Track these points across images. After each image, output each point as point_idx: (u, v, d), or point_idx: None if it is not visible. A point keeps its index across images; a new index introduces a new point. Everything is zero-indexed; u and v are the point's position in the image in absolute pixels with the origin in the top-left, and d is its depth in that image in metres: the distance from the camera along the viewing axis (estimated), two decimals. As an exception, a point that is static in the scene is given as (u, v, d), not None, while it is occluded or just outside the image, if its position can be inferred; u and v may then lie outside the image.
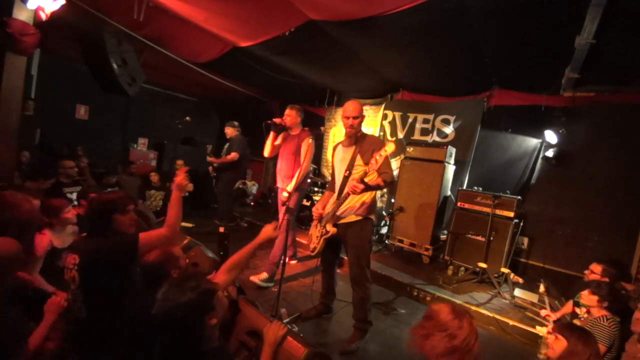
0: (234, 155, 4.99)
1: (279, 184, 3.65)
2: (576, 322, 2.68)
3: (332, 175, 2.83)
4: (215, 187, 5.40)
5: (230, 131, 5.23)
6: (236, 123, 5.28)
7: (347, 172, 2.54)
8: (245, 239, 4.37)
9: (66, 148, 5.71)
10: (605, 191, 4.04)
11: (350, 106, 2.53)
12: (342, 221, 2.57)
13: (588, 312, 2.59)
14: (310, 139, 3.27)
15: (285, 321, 2.56)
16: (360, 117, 2.54)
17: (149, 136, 8.02)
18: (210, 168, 5.37)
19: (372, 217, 2.64)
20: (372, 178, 2.33)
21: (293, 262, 4.00)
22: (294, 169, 3.46)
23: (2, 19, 3.05)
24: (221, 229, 2.24)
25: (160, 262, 1.61)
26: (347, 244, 2.61)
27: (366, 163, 2.42)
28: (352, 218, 2.56)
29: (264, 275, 3.40)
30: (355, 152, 2.54)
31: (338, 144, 2.80)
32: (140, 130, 7.91)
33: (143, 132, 7.96)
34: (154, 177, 5.33)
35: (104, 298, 1.62)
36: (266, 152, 3.63)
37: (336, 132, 7.19)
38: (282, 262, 2.67)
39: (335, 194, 2.61)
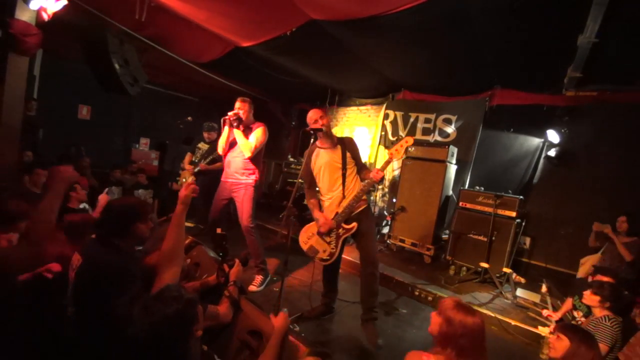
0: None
1: (226, 178, 3.40)
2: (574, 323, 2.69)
3: (314, 181, 2.81)
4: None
5: (213, 136, 4.88)
6: (216, 125, 4.87)
7: (343, 169, 2.67)
8: (244, 239, 4.37)
9: (74, 148, 5.74)
10: (607, 191, 4.02)
11: (310, 113, 2.68)
12: (354, 213, 2.63)
13: (585, 316, 2.59)
14: (264, 127, 3.32)
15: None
16: (325, 116, 2.68)
17: (150, 136, 8.04)
18: (189, 177, 4.87)
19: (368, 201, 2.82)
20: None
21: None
22: (247, 163, 3.26)
23: (4, 19, 3.06)
24: (218, 230, 2.20)
25: None
26: (360, 230, 2.63)
27: (353, 158, 2.70)
28: (360, 207, 2.65)
29: (259, 279, 3.34)
30: (344, 151, 2.68)
31: (314, 149, 2.79)
32: (142, 130, 7.93)
33: (145, 132, 7.99)
34: (142, 177, 5.35)
35: (95, 309, 1.53)
36: (221, 149, 3.38)
37: (338, 131, 7.19)
38: (284, 262, 2.67)
39: (340, 193, 2.65)
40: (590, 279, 2.78)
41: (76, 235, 2.10)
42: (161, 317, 1.02)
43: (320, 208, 2.78)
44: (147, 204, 1.80)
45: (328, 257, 2.65)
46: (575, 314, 2.75)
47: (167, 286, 1.16)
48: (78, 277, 1.61)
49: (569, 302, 2.89)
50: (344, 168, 2.66)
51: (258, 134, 3.26)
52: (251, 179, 3.31)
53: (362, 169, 2.74)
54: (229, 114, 3.18)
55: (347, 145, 2.72)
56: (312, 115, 2.66)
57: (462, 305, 1.37)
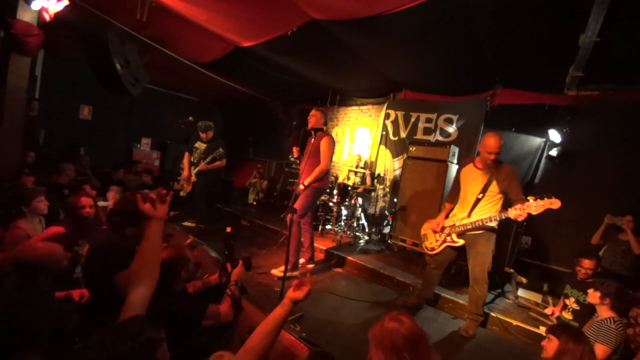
0: (224, 162, 4.94)
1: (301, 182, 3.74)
2: (565, 313, 2.74)
3: (456, 189, 3.12)
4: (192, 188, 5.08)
5: (210, 134, 4.94)
6: (212, 124, 4.97)
7: (481, 194, 2.84)
8: (247, 237, 4.39)
9: (81, 148, 5.76)
10: (609, 191, 4.00)
11: (494, 143, 2.74)
12: (471, 233, 2.90)
13: (577, 302, 2.60)
14: (328, 138, 3.57)
15: (288, 320, 2.56)
16: (500, 151, 2.76)
17: (152, 136, 8.06)
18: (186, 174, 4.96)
19: (496, 228, 2.93)
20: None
21: (310, 266, 3.88)
22: (313, 169, 3.59)
23: (6, 20, 3.08)
24: (228, 229, 2.26)
25: (172, 261, 1.61)
26: (474, 250, 2.93)
27: (502, 191, 2.79)
28: (481, 230, 2.87)
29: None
30: (492, 178, 2.81)
31: (468, 162, 3.04)
32: (143, 130, 7.96)
33: (146, 132, 8.01)
34: (146, 177, 5.37)
35: (103, 293, 1.63)
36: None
37: (339, 131, 7.19)
38: (285, 262, 2.68)
39: (466, 213, 2.92)
40: (581, 276, 2.79)
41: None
42: (112, 355, 0.90)
43: (449, 213, 3.10)
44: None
45: (429, 250, 3.13)
46: (567, 302, 2.77)
47: (131, 319, 1.04)
48: (87, 261, 1.73)
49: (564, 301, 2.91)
50: (482, 194, 2.83)
51: (326, 147, 3.58)
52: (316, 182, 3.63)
53: (515, 201, 2.66)
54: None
55: (500, 175, 2.78)
56: (496, 145, 2.72)
57: (397, 315, 1.21)
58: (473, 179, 2.92)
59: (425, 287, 3.27)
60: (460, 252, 4.29)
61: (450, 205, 3.14)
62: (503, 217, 2.68)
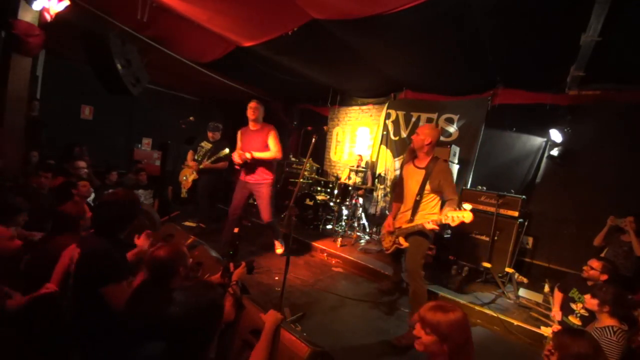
0: (227, 164, 4.88)
1: (243, 177, 3.91)
2: (572, 318, 2.67)
3: (401, 187, 3.04)
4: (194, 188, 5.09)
5: (217, 136, 5.03)
6: (220, 125, 5.15)
7: (418, 196, 2.76)
8: (248, 237, 4.36)
9: (78, 148, 5.74)
10: (610, 190, 4.00)
11: (422, 135, 2.79)
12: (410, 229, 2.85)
13: (584, 308, 2.56)
14: (274, 131, 3.84)
15: (288, 320, 2.56)
16: (434, 143, 2.78)
17: (153, 136, 8.06)
18: (191, 175, 5.03)
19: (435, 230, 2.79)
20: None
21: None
22: (260, 163, 3.79)
23: (7, 20, 3.08)
24: (236, 230, 2.31)
25: (170, 258, 1.62)
26: (410, 244, 2.86)
27: (433, 190, 2.71)
28: (418, 228, 2.77)
29: (278, 243, 4.30)
30: (426, 177, 2.73)
31: (411, 159, 2.97)
32: (144, 130, 7.95)
33: (147, 132, 8.01)
34: (142, 177, 5.30)
35: (95, 300, 1.62)
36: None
37: (339, 131, 7.19)
38: (286, 262, 2.68)
39: (409, 215, 2.84)
40: (584, 274, 2.72)
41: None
42: (194, 304, 1.20)
43: (397, 213, 3.03)
44: (132, 192, 1.94)
45: (385, 249, 3.14)
46: (574, 307, 2.72)
47: (210, 284, 1.36)
48: (77, 267, 1.71)
49: (558, 295, 2.88)
50: (419, 195, 2.75)
51: (277, 140, 3.85)
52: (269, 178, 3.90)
53: (448, 203, 2.59)
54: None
55: (432, 173, 2.70)
56: (424, 138, 2.77)
57: (438, 305, 1.32)
58: (411, 177, 2.88)
59: (394, 273, 3.52)
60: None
61: (397, 206, 3.09)
62: (430, 225, 2.58)
